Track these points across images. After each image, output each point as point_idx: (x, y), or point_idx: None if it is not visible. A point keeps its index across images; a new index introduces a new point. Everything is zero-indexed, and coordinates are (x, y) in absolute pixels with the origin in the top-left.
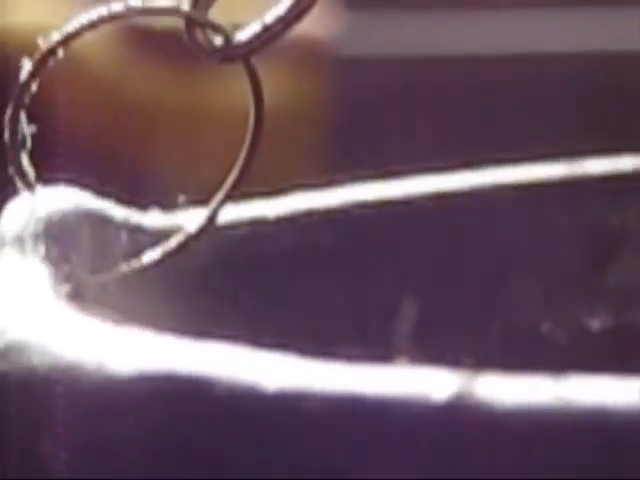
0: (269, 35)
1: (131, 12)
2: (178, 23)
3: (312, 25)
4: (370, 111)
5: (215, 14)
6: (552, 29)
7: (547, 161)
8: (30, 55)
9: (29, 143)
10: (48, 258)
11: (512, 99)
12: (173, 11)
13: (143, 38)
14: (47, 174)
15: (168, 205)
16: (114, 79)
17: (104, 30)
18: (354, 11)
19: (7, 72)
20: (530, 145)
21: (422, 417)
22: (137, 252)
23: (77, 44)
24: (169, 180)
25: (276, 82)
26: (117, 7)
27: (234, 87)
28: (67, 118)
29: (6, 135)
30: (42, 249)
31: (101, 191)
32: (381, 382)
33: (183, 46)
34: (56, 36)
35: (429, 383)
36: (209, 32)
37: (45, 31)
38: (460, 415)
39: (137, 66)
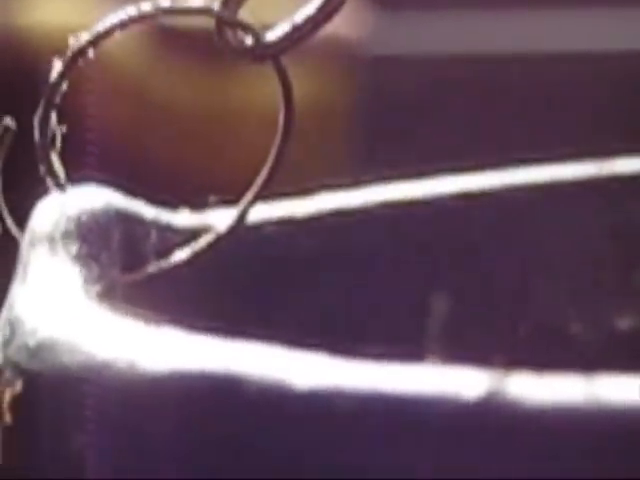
0: (299, 35)
1: (161, 12)
2: (208, 23)
3: (341, 24)
4: (400, 110)
5: (245, 13)
6: (582, 27)
7: (576, 161)
8: (56, 53)
9: (59, 143)
10: (78, 257)
11: (541, 98)
12: (203, 11)
13: (172, 37)
14: (77, 173)
15: (198, 204)
16: (143, 79)
17: (133, 30)
18: (383, 10)
19: (35, 70)
20: (559, 144)
21: (453, 416)
22: (167, 251)
23: (106, 44)
24: (198, 179)
25: (305, 81)
26: (147, 7)
27: (264, 86)
28: (96, 118)
29: (36, 135)
30: (72, 248)
31: (131, 190)
32: (412, 381)
33: (213, 45)
34: (86, 36)
35: (460, 382)
36: (239, 32)
37: (71, 29)
38: (491, 414)
39: (166, 65)
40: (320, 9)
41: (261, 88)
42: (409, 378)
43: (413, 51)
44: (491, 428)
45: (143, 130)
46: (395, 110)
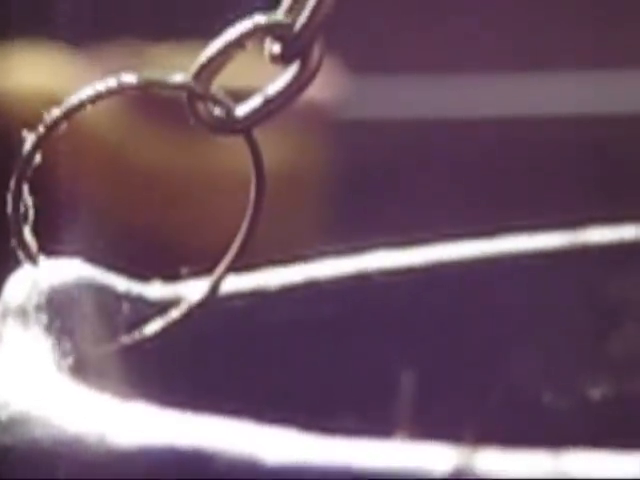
0: (270, 108)
1: (134, 85)
2: (180, 94)
3: (313, 89)
4: (373, 175)
5: (219, 80)
6: (554, 91)
7: (549, 230)
8: (31, 119)
9: (32, 215)
10: (51, 330)
11: (516, 163)
12: (175, 84)
13: (147, 106)
14: (49, 246)
15: (170, 276)
16: (117, 147)
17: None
18: (355, 74)
19: (9, 137)
20: (534, 210)
21: None
22: (139, 323)
23: (80, 112)
24: (171, 250)
25: (277, 145)
26: (120, 80)
27: (237, 152)
28: (69, 188)
29: (9, 207)
30: (45, 321)
31: (103, 262)
32: (381, 457)
33: (186, 113)
34: (59, 109)
35: (429, 458)
36: (210, 105)
37: (48, 95)
38: None
39: (140, 133)
40: (291, 83)
41: (235, 157)
42: (378, 454)
43: (386, 115)
44: None
45: (115, 200)
46: (368, 174)
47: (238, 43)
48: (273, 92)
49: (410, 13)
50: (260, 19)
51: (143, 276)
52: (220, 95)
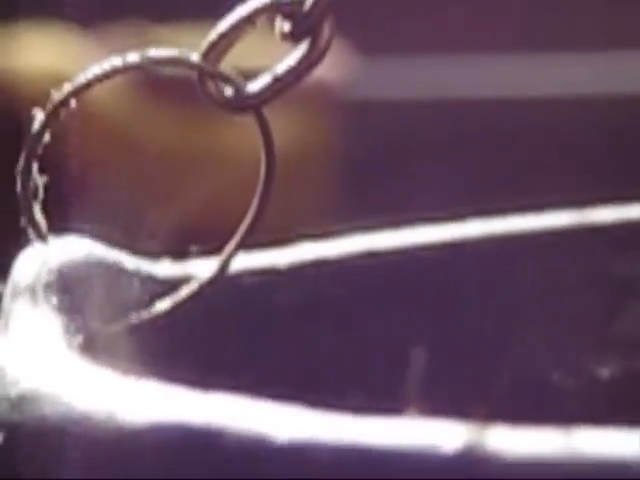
0: (280, 86)
1: (143, 63)
2: (190, 72)
3: (322, 69)
4: (382, 155)
5: (228, 60)
6: (565, 72)
7: (555, 210)
8: (39, 99)
9: (41, 193)
10: (60, 308)
11: (524, 143)
12: (185, 62)
13: (155, 85)
14: (59, 224)
15: (179, 254)
16: (126, 127)
17: (116, 77)
18: (364, 55)
19: (18, 115)
20: (541, 191)
21: (431, 469)
22: (148, 301)
23: (90, 90)
24: (181, 227)
25: (287, 126)
26: (130, 58)
27: (247, 131)
28: (79, 167)
29: (18, 186)
30: (54, 299)
31: (113, 240)
32: (390, 434)
33: (195, 92)
34: (68, 87)
35: (438, 435)
36: (220, 83)
37: (55, 74)
38: (470, 467)
39: (149, 113)
40: (301, 61)
41: (245, 136)
42: (388, 431)
43: (394, 96)
44: None
45: (125, 179)
46: (376, 155)
47: (248, 21)
48: (283, 70)
49: None
50: None
51: (153, 254)
52: (230, 73)
